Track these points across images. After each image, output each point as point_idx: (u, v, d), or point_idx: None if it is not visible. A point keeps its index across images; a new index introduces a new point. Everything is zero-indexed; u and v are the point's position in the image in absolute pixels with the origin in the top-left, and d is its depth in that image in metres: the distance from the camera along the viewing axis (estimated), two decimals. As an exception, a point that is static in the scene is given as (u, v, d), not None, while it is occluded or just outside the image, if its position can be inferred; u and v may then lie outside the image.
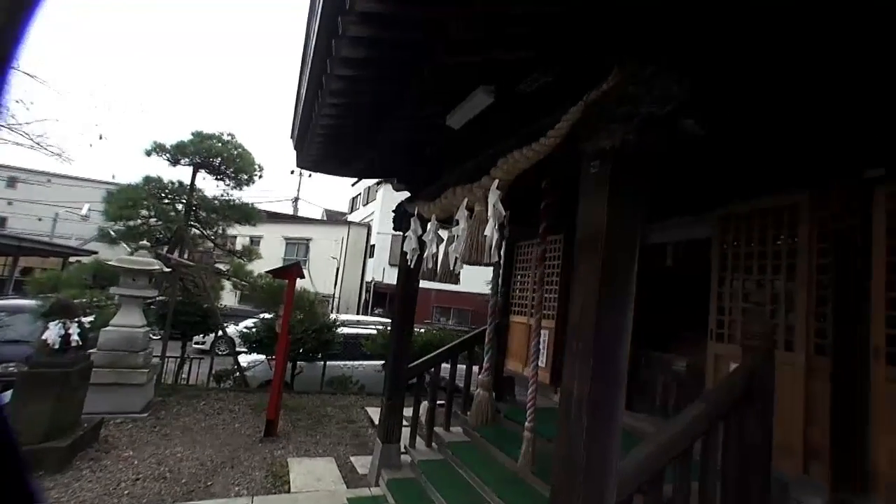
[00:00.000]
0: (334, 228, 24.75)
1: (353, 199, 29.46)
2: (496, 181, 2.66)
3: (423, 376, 4.67)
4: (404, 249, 4.07)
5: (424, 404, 4.64)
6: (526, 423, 3.27)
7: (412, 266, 4.04)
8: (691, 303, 4.27)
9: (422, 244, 3.86)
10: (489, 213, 2.62)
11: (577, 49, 2.29)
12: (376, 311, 21.47)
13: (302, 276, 5.95)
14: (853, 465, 2.55)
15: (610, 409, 1.81)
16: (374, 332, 9.14)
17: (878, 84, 2.49)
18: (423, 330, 9.38)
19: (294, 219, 25.69)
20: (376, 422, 6.57)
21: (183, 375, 8.07)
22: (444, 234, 3.72)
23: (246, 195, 8.70)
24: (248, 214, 8.29)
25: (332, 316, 9.09)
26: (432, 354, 4.65)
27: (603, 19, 1.87)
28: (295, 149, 5.00)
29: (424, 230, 4.02)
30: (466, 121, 3.50)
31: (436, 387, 4.60)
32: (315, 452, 5.18)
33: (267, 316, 8.83)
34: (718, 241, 3.53)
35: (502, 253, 2.56)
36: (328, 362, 8.61)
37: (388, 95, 3.22)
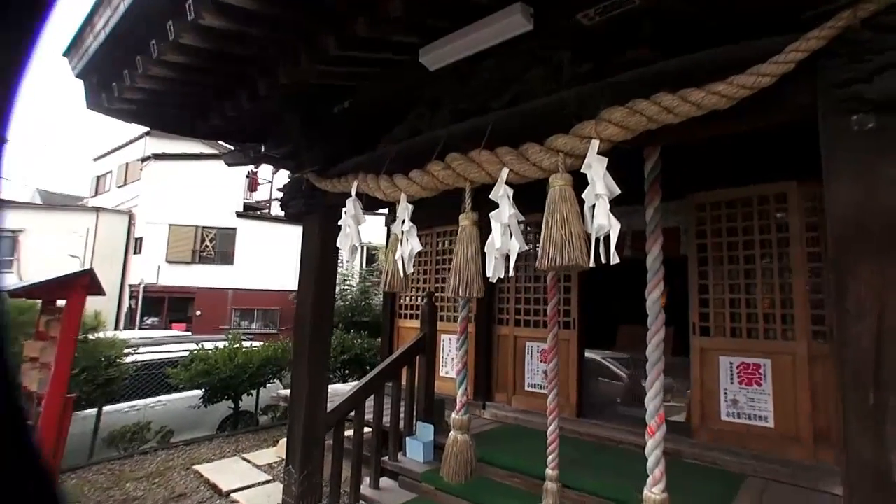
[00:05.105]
0: (68, 216, 18.27)
1: (100, 179, 22.40)
2: (596, 142, 1.78)
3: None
4: (338, 245, 2.74)
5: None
6: (548, 470, 2.48)
7: (344, 265, 2.75)
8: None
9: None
10: (597, 189, 1.73)
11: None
12: (148, 322, 16.94)
13: (101, 292, 3.64)
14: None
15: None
16: (185, 353, 6.80)
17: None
18: (258, 344, 7.47)
19: (-11, 202, 18.14)
20: (224, 487, 4.75)
21: None
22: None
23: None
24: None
25: (116, 335, 6.36)
26: (359, 386, 3.36)
27: None
28: (83, 77, 2.84)
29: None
30: (459, 59, 2.46)
31: (362, 428, 3.36)
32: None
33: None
34: (694, 230, 3.38)
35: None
36: (104, 407, 5.82)
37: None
